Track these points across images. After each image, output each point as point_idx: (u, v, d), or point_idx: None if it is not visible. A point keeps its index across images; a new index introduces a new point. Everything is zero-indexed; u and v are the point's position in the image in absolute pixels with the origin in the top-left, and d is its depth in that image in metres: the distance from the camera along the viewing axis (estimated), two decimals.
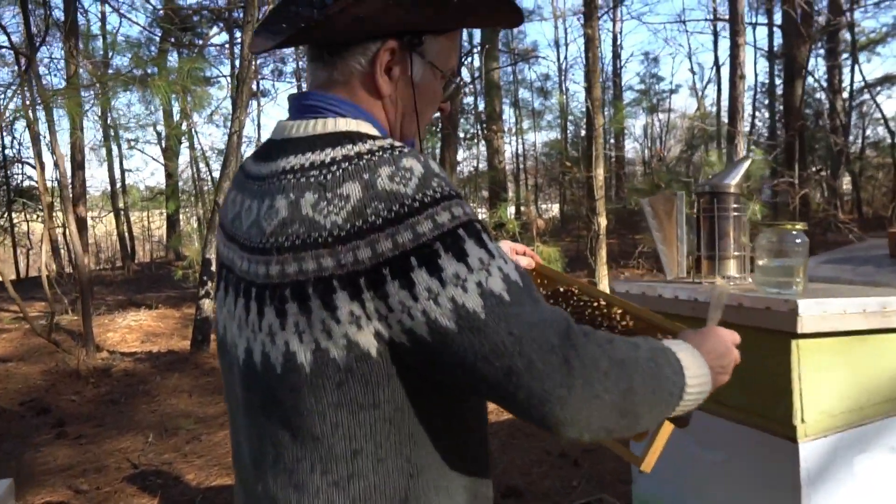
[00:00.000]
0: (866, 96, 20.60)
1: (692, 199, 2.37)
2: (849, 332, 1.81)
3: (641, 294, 2.34)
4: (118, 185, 20.25)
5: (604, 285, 10.90)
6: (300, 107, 1.02)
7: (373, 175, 0.88)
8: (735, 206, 2.32)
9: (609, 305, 1.55)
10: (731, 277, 2.29)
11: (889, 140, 18.64)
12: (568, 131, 23.39)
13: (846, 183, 20.61)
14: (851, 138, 20.29)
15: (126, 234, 18.92)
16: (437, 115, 1.15)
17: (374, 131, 1.00)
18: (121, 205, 19.63)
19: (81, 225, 14.39)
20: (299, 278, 0.87)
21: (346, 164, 0.90)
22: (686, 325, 1.33)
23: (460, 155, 21.56)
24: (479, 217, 0.94)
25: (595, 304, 1.58)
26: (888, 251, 2.53)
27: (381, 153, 0.91)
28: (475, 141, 23.03)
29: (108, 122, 17.21)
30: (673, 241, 2.32)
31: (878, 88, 20.20)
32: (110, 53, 16.21)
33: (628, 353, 0.94)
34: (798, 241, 1.87)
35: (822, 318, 1.75)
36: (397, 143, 0.94)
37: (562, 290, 1.68)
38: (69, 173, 11.91)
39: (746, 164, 2.37)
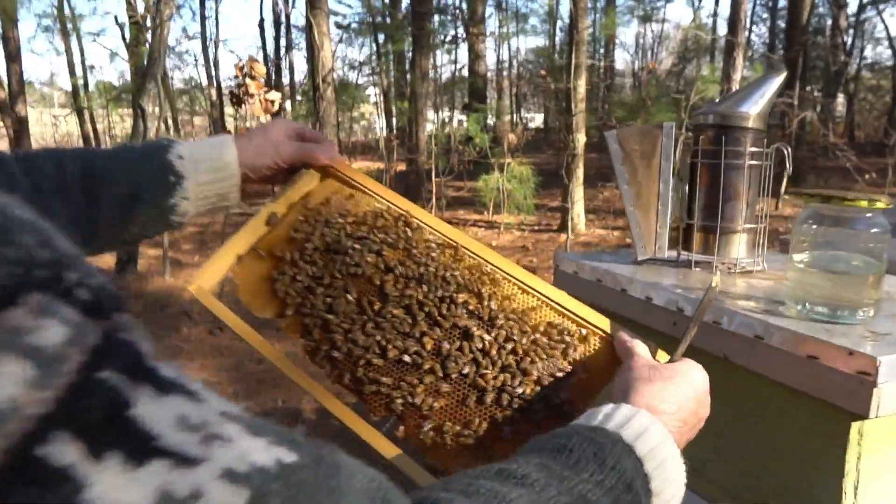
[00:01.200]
0: (871, 13, 19.38)
1: (685, 136, 1.49)
2: None
3: (596, 282, 1.51)
4: (81, 82, 19.01)
5: (577, 212, 10.14)
6: None
7: None
8: (754, 150, 1.46)
9: (478, 266, 1.06)
10: (735, 265, 1.47)
11: (890, 62, 17.63)
12: (556, 38, 21.84)
13: (838, 104, 19.74)
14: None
15: (91, 136, 17.76)
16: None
17: None
18: (84, 104, 18.39)
19: (22, 125, 13.15)
20: None
21: None
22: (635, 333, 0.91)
23: (440, 59, 20.17)
24: None
25: (449, 251, 1.09)
26: None
27: None
28: (455, 45, 21.48)
29: (66, 11, 15.68)
30: (651, 202, 1.47)
31: (884, 6, 18.98)
32: None
33: None
34: (876, 229, 1.04)
35: None
36: None
37: (386, 213, 1.16)
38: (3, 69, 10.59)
39: (776, 82, 1.49)
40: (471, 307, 1.06)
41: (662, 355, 0.98)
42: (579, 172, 9.89)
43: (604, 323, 1.04)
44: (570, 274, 1.60)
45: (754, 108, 1.44)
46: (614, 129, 1.50)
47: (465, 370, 1.01)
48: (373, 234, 1.13)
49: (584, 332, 1.04)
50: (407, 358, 1.02)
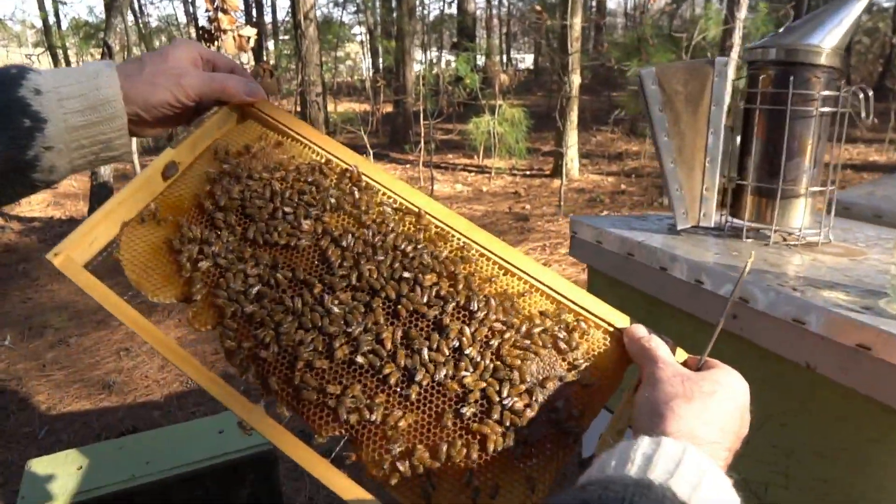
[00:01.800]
0: None
1: (739, 76, 1.20)
2: None
3: (625, 257, 1.24)
4: (53, 19, 18.01)
5: (571, 157, 9.80)
6: None
7: None
8: (827, 93, 1.17)
9: (446, 239, 0.88)
10: (798, 235, 1.21)
11: (889, 3, 17.10)
12: None
13: None
14: None
15: None
16: None
17: None
18: (57, 42, 17.56)
19: None
20: None
21: None
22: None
23: None
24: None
25: (410, 219, 0.89)
26: None
27: None
28: None
29: None
30: (696, 158, 1.20)
31: None
32: None
33: None
34: None
35: None
36: None
37: (326, 167, 0.93)
38: None
39: (859, 6, 1.19)
40: (441, 291, 0.82)
41: (682, 354, 0.76)
42: (573, 115, 9.52)
43: (609, 313, 0.81)
44: (592, 244, 1.33)
45: (829, 40, 1.15)
46: (650, 68, 1.20)
47: (439, 375, 0.77)
48: (309, 194, 0.88)
49: (585, 325, 0.81)
50: (360, 359, 0.77)
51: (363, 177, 0.90)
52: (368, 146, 9.39)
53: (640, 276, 1.19)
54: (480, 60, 16.19)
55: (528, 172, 10.53)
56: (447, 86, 11.23)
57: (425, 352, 0.77)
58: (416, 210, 0.87)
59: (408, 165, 11.20)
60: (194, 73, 0.83)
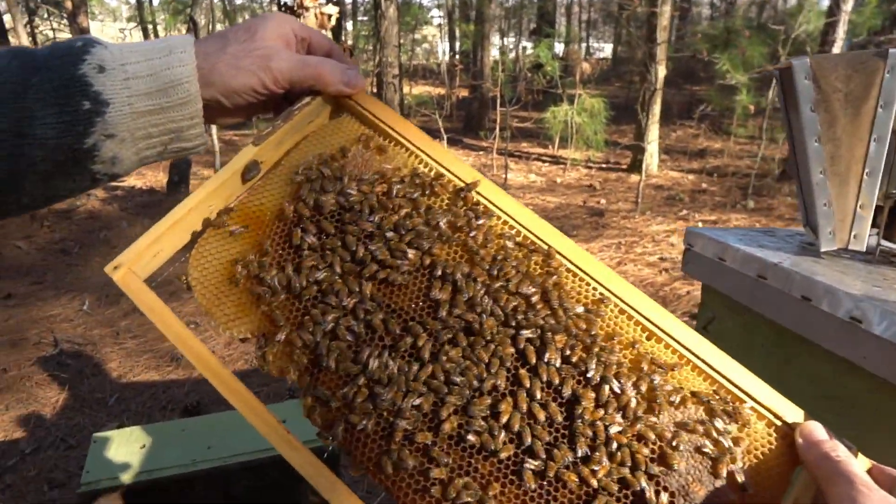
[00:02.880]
0: None
1: None
2: None
3: (755, 280, 1.07)
4: None
5: (650, 152, 9.39)
6: None
7: None
8: None
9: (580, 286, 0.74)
10: None
11: None
12: None
13: None
14: None
15: None
16: None
17: None
18: (149, 17, 18.33)
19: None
20: None
21: None
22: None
23: None
24: None
25: (538, 259, 0.74)
26: None
27: None
28: None
29: None
30: (851, 169, 1.01)
31: None
32: None
33: None
34: None
35: None
36: None
37: (437, 183, 0.78)
38: None
39: None
40: (574, 359, 0.68)
41: (864, 462, 0.60)
42: (656, 108, 9.12)
43: (779, 403, 0.65)
44: (711, 260, 1.16)
45: None
46: (803, 58, 1.02)
47: (564, 464, 0.64)
48: (417, 216, 0.74)
49: (746, 412, 0.65)
50: (472, 437, 0.65)
51: (481, 198, 0.76)
52: (442, 130, 9.27)
53: (772, 303, 1.02)
54: (559, 48, 15.81)
55: (604, 165, 10.20)
56: (526, 72, 10.97)
57: (548, 432, 0.65)
58: (546, 248, 0.73)
59: (481, 152, 11.04)
60: (286, 55, 0.70)
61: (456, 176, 0.77)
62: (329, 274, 0.72)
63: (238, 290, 0.72)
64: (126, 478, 2.01)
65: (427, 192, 0.76)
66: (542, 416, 0.65)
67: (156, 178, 8.94)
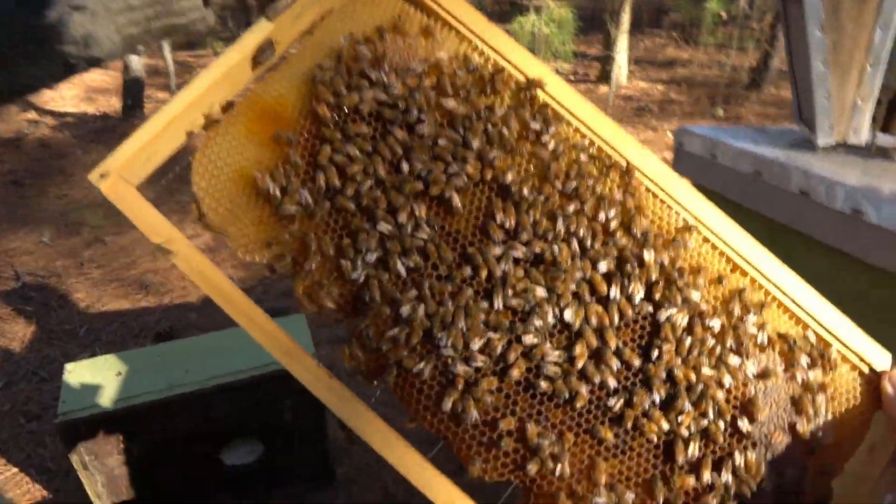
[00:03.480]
0: None
1: None
2: None
3: (752, 175, 1.04)
4: None
5: (619, 62, 9.19)
6: None
7: None
8: None
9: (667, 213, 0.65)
10: None
11: None
12: None
13: None
14: None
15: None
16: None
17: None
18: None
19: None
20: None
21: None
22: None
23: None
24: None
25: (616, 174, 0.66)
26: None
27: None
28: None
29: None
30: (854, 59, 0.96)
31: None
32: None
33: None
34: None
35: None
36: None
37: (497, 77, 0.67)
38: None
39: None
40: (657, 295, 0.63)
41: None
42: (625, 18, 8.89)
43: (867, 346, 0.62)
44: (704, 158, 1.12)
45: None
46: None
47: (643, 410, 0.60)
48: (476, 119, 0.63)
49: (834, 357, 0.62)
50: (544, 384, 0.60)
51: (549, 97, 0.66)
52: None
53: (766, 199, 0.99)
54: None
55: (572, 77, 10.01)
56: None
57: (635, 376, 0.62)
58: (624, 164, 0.65)
59: None
60: None
61: (517, 69, 0.66)
62: (372, 188, 0.62)
63: (258, 204, 0.62)
64: (104, 405, 1.98)
65: (486, 90, 0.65)
66: (618, 362, 0.61)
67: (108, 102, 8.52)
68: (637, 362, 0.61)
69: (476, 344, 0.60)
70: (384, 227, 0.62)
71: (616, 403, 0.60)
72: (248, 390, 2.10)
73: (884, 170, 0.97)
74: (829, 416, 0.60)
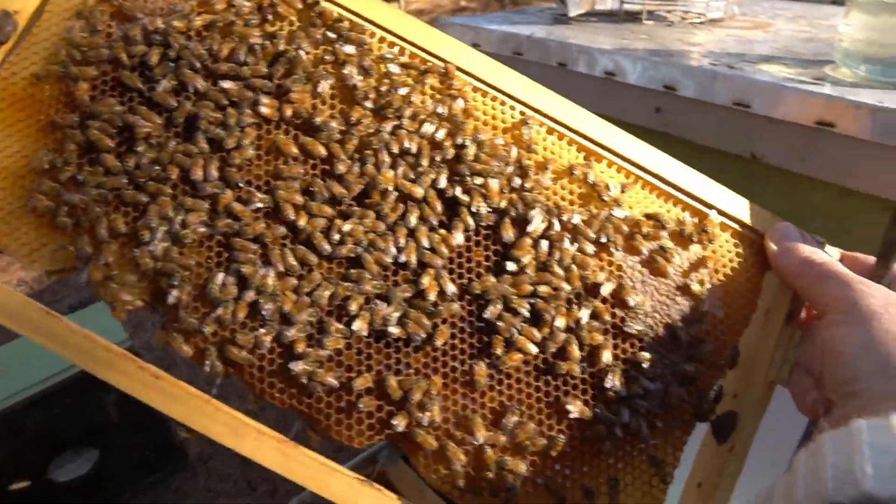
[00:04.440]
0: None
1: None
2: None
3: (511, 57, 1.03)
4: None
5: None
6: None
7: None
8: None
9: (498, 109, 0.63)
10: (701, 11, 1.03)
11: None
12: None
13: None
14: None
15: None
16: None
17: None
18: None
19: None
20: None
21: None
22: None
23: None
24: None
25: (433, 81, 0.63)
26: None
27: None
28: None
29: None
30: None
31: None
32: None
33: None
34: None
35: None
36: None
37: None
38: None
39: None
40: (502, 203, 0.59)
41: (835, 251, 0.58)
42: None
43: (745, 211, 0.61)
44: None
45: None
46: None
47: (514, 332, 0.57)
48: (261, 52, 0.57)
49: (710, 228, 0.61)
50: (395, 329, 0.56)
51: (343, 13, 0.60)
52: None
53: (533, 78, 0.99)
54: None
55: None
56: None
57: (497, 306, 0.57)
58: (442, 66, 0.60)
59: None
60: None
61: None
62: (157, 153, 0.56)
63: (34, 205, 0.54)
64: None
65: (267, 16, 0.59)
66: (490, 279, 0.57)
67: None
68: (494, 280, 0.58)
69: (305, 305, 0.55)
70: (165, 201, 0.55)
71: (481, 330, 0.57)
72: (60, 397, 1.88)
73: (632, 31, 1.00)
74: (717, 290, 0.60)
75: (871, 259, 0.55)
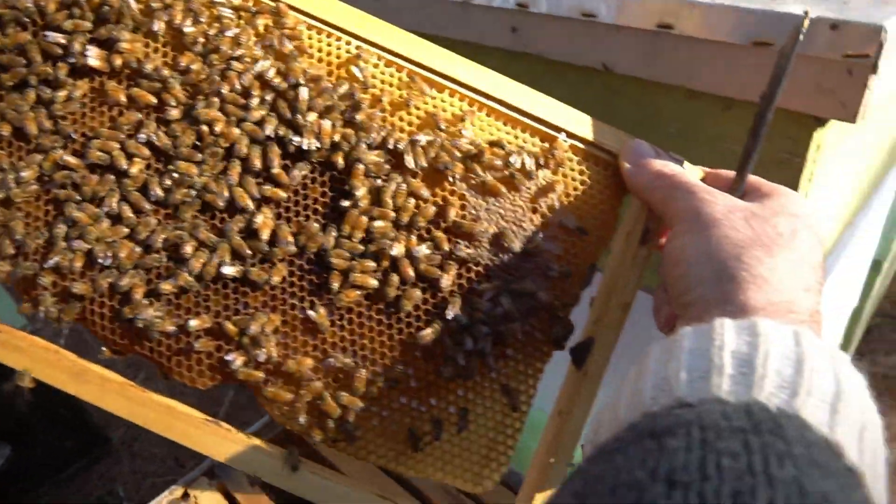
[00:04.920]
0: None
1: None
2: None
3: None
4: None
5: None
6: None
7: None
8: None
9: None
10: None
11: None
12: None
13: None
14: None
15: None
16: None
17: None
18: None
19: None
20: None
21: None
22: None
23: None
24: None
25: (264, 20, 0.62)
26: None
27: None
28: None
29: None
30: None
31: None
32: None
33: None
34: None
35: None
36: None
37: None
38: None
39: None
40: (336, 137, 0.58)
41: (696, 170, 0.57)
42: None
43: (593, 129, 0.59)
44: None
45: None
46: None
47: (349, 265, 0.57)
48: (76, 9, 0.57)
49: (559, 153, 0.59)
50: (230, 270, 0.56)
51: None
52: None
53: (435, 19, 0.96)
54: None
55: None
56: None
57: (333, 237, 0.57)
58: (273, 5, 0.59)
59: None
60: None
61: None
62: None
63: None
64: None
65: None
66: (316, 224, 0.57)
67: None
68: (329, 216, 0.57)
69: (139, 251, 0.56)
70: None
71: (319, 267, 0.56)
72: None
73: None
74: (568, 214, 0.58)
75: (733, 174, 0.55)
